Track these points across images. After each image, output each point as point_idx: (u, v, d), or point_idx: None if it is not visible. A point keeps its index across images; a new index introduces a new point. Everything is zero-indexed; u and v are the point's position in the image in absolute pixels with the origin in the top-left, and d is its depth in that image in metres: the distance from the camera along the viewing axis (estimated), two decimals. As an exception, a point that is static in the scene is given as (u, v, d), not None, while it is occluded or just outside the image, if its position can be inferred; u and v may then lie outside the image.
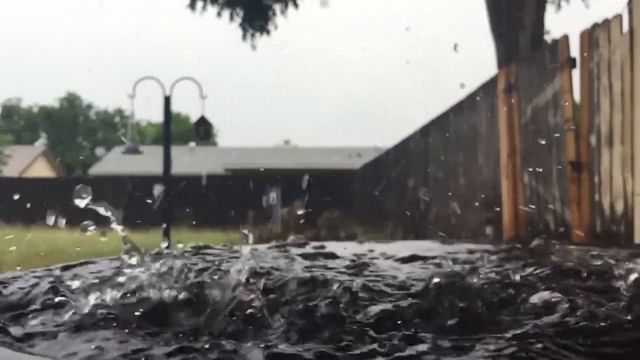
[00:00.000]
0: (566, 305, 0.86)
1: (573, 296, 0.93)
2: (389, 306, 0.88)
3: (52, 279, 1.08)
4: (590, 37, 5.25)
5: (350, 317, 0.81)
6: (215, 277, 0.93)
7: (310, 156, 30.01)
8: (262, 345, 0.71)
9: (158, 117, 13.80)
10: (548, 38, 9.94)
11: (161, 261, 0.98)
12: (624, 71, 4.75)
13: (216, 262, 1.17)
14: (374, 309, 0.85)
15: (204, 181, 19.70)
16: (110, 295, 0.90)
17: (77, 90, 57.46)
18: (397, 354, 0.68)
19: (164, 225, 11.47)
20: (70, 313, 0.85)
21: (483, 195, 7.87)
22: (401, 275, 1.16)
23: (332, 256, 1.40)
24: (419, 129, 11.77)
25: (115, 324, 0.80)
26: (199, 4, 13.52)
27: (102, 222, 1.06)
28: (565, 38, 5.73)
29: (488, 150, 7.80)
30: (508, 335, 0.74)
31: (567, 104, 5.60)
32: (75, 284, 1.02)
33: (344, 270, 1.20)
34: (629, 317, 0.81)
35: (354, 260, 1.31)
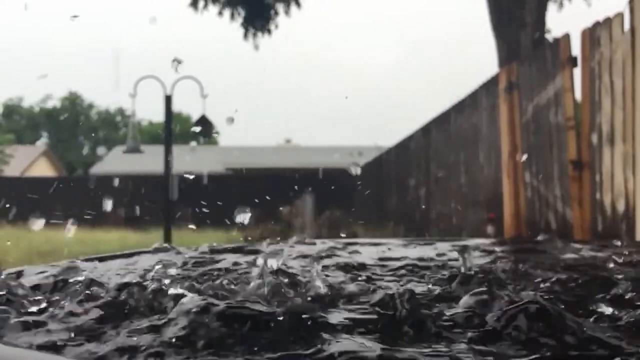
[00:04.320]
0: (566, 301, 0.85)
1: (572, 293, 0.93)
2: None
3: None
4: (591, 35, 5.24)
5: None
6: None
7: (312, 155, 30.00)
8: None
9: (159, 116, 13.81)
10: (550, 37, 9.93)
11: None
12: (625, 70, 4.74)
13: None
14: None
15: (205, 180, 19.70)
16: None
17: (78, 90, 57.56)
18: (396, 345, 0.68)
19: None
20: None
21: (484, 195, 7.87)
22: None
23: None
24: (420, 128, 11.78)
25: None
26: (201, 3, 13.52)
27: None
28: (567, 37, 5.73)
29: (489, 149, 7.79)
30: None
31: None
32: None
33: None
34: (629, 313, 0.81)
35: None
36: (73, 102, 56.57)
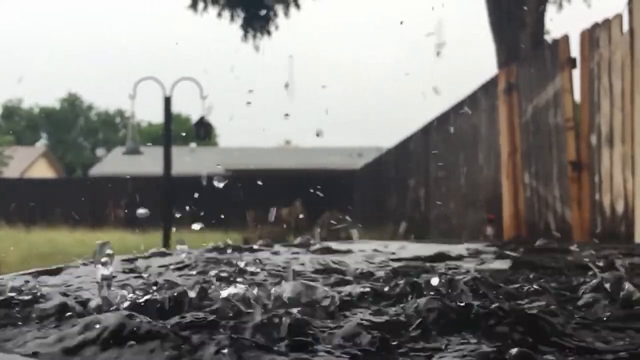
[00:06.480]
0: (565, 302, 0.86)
1: (574, 294, 0.93)
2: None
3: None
4: (590, 37, 5.25)
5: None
6: None
7: (311, 156, 30.00)
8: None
9: (159, 117, 13.82)
10: (549, 38, 9.94)
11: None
12: (624, 71, 4.75)
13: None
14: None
15: (204, 181, 19.70)
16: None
17: (77, 91, 57.55)
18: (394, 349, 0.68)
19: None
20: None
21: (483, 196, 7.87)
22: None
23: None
24: (419, 129, 11.78)
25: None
26: (200, 5, 13.53)
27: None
28: (566, 38, 5.73)
29: (489, 150, 7.80)
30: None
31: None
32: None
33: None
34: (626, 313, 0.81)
35: None
36: (72, 103, 56.53)
